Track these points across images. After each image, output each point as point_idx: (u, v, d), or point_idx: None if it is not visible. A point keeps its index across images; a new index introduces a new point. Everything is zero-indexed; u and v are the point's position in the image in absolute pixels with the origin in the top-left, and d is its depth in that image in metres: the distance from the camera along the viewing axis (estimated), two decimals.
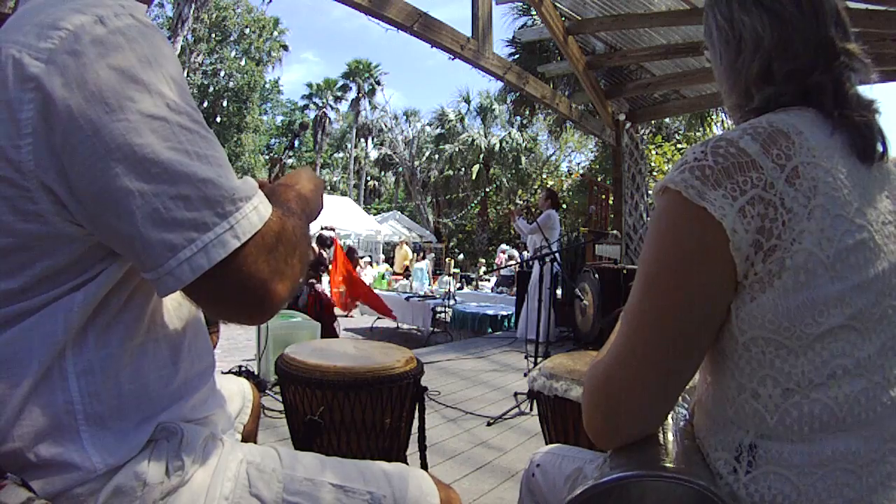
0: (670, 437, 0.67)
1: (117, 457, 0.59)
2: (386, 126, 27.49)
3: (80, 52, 0.50)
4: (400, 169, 26.77)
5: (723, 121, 10.44)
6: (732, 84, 0.73)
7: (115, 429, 0.59)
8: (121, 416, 0.60)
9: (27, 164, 0.51)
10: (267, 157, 27.57)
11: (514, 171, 22.51)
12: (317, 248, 5.95)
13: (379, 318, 8.06)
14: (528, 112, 14.19)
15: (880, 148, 0.65)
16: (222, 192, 0.54)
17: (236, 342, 6.51)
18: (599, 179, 13.31)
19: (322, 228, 6.77)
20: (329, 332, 5.10)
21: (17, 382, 0.55)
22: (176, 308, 0.70)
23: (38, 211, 0.52)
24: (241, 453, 0.70)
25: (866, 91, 0.69)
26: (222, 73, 24.88)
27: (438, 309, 7.12)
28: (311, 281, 5.42)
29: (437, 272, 12.61)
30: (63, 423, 0.57)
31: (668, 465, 0.60)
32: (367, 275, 11.98)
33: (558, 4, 5.22)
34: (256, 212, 0.56)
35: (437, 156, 23.91)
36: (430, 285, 9.35)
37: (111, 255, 0.58)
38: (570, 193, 19.01)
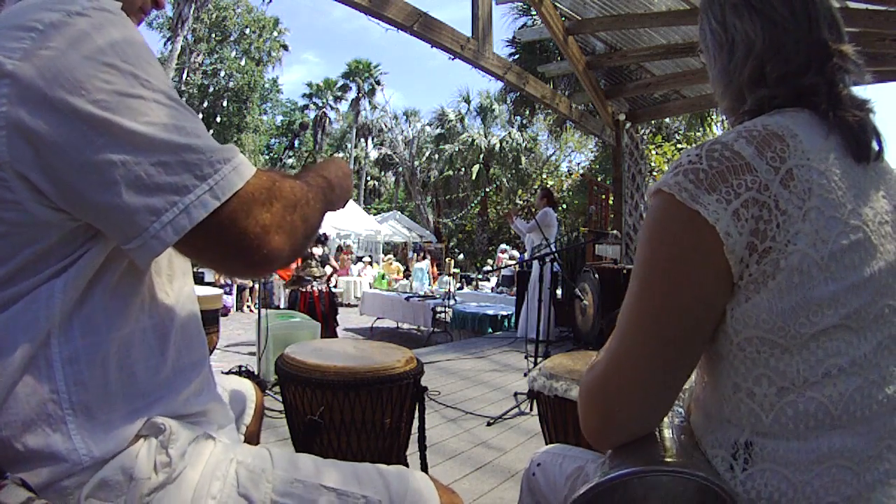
0: (667, 434, 0.67)
1: (104, 449, 0.59)
2: (386, 126, 27.46)
3: (52, 47, 0.53)
4: (400, 169, 26.74)
5: (722, 121, 10.43)
6: (726, 87, 0.73)
7: (103, 419, 0.60)
8: (108, 406, 0.61)
9: (2, 155, 0.53)
10: (267, 157, 27.54)
11: (514, 171, 22.50)
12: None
13: (379, 317, 8.08)
14: (528, 112, 14.20)
15: (876, 147, 0.65)
16: (200, 157, 0.57)
17: (237, 342, 6.51)
18: (599, 179, 13.32)
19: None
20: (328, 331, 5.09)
21: (1, 372, 0.55)
22: (164, 297, 0.70)
23: (16, 199, 0.54)
24: (232, 453, 0.70)
25: (860, 91, 0.69)
26: (222, 73, 24.86)
27: (438, 309, 7.12)
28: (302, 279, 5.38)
29: (437, 272, 12.61)
30: (49, 412, 0.57)
31: (668, 459, 0.60)
32: (367, 275, 11.99)
33: (558, 4, 5.22)
34: (236, 172, 0.59)
35: (437, 156, 23.89)
36: (430, 285, 9.35)
37: (90, 240, 0.59)
38: (570, 193, 19.00)
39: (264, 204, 0.60)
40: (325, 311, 5.27)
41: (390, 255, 14.95)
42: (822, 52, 0.66)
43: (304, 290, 5.34)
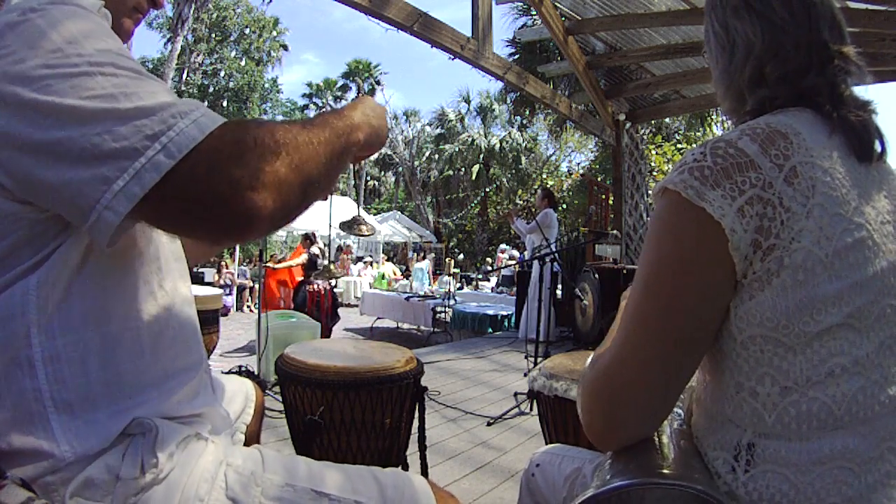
0: (665, 439, 0.67)
1: (87, 445, 0.59)
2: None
3: (6, 46, 0.53)
4: (400, 169, 26.72)
5: (723, 121, 10.42)
6: (727, 88, 0.74)
7: (86, 417, 0.60)
8: (91, 404, 0.60)
9: None
10: None
11: (514, 171, 22.49)
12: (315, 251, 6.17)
13: (379, 317, 8.08)
14: (528, 112, 14.19)
15: (878, 147, 0.65)
16: (151, 117, 0.53)
17: (236, 342, 6.51)
18: (599, 179, 13.31)
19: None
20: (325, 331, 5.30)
21: None
22: (156, 298, 0.70)
23: None
24: (223, 454, 0.69)
25: (863, 92, 0.69)
26: (222, 73, 24.87)
27: (438, 309, 7.12)
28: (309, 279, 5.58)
29: (437, 272, 12.62)
30: (32, 410, 0.57)
31: (665, 470, 0.60)
32: (367, 275, 11.99)
33: (558, 4, 5.22)
34: (196, 124, 0.53)
35: (437, 156, 23.87)
36: (430, 285, 9.35)
37: (61, 234, 0.58)
38: (570, 193, 18.99)
39: (233, 156, 0.53)
40: (328, 308, 5.45)
41: (383, 256, 15.01)
42: (822, 54, 0.67)
43: (311, 289, 5.53)
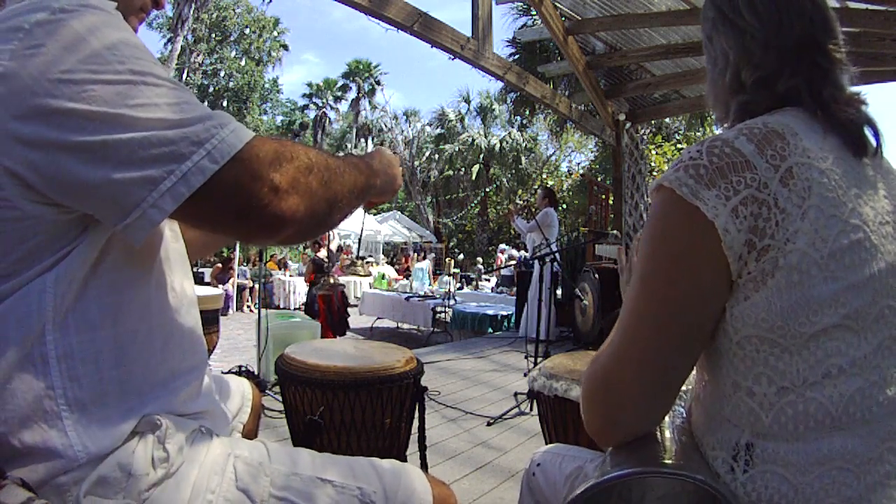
0: (668, 434, 0.67)
1: (100, 445, 0.59)
2: (386, 126, 27.39)
3: (38, 45, 0.53)
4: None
5: None
6: (715, 97, 0.75)
7: (99, 415, 0.60)
8: (103, 402, 0.61)
9: None
10: None
11: (514, 171, 22.48)
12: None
13: (379, 317, 8.08)
14: (528, 112, 14.21)
15: (873, 141, 0.65)
16: (193, 123, 0.57)
17: (236, 342, 6.52)
18: (599, 179, 13.32)
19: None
20: (338, 330, 5.43)
21: None
22: (167, 299, 0.71)
23: (5, 196, 0.54)
24: (230, 447, 0.70)
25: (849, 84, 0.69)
26: (222, 73, 24.89)
27: (438, 309, 7.12)
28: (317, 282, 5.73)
29: (437, 272, 12.62)
30: (45, 407, 0.57)
31: (667, 461, 0.60)
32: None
33: (558, 4, 5.22)
34: (235, 134, 0.58)
35: (437, 156, 23.86)
36: (430, 285, 9.35)
37: (81, 234, 0.59)
38: (570, 193, 19.00)
39: (272, 164, 0.59)
40: (339, 308, 5.62)
41: (383, 257, 15.02)
42: (796, 52, 0.67)
43: (322, 292, 5.72)
